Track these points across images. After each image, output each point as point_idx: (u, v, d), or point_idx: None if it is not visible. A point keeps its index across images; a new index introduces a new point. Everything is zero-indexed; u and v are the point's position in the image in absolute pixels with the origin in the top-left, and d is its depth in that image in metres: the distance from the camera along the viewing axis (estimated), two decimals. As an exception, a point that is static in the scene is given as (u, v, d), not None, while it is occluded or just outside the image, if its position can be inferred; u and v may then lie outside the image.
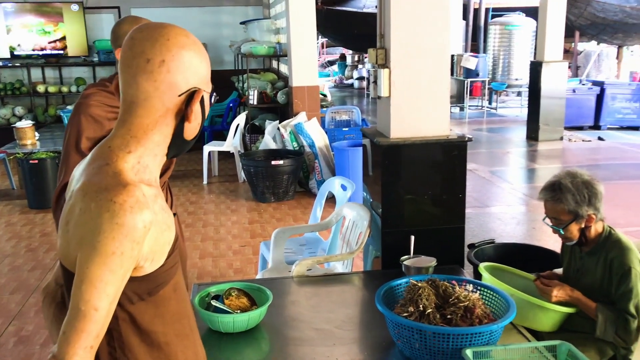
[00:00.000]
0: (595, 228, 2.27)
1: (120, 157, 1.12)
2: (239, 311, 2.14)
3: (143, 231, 1.06)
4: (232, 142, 7.30)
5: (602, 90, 10.84)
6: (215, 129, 9.04)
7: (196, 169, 7.90)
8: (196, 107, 1.18)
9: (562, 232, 2.27)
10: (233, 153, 7.38)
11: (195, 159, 8.46)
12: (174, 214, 1.44)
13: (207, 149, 7.31)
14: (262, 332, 2.16)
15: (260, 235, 5.29)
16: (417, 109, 2.80)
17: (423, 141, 2.78)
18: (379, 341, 2.07)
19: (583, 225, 2.25)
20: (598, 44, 15.09)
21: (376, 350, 2.04)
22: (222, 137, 8.16)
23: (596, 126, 10.93)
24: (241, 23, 9.78)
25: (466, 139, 2.81)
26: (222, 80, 10.35)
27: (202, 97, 1.20)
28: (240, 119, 7.38)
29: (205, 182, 7.28)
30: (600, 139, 10.02)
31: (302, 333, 2.16)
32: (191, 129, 1.21)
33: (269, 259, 3.39)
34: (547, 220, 2.34)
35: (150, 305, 1.15)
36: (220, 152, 7.71)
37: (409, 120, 2.80)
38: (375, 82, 2.83)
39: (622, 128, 10.98)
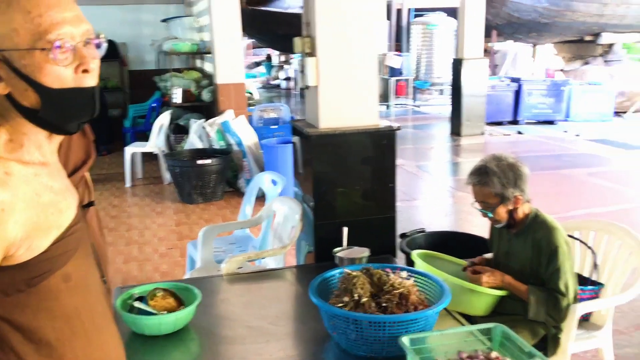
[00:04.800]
0: (523, 209, 2.30)
1: None
2: (165, 312, 2.01)
3: None
4: (156, 143, 7.04)
5: (519, 87, 11.29)
6: (138, 130, 8.72)
7: (118, 172, 7.56)
8: None
9: (491, 215, 2.28)
10: (157, 154, 7.12)
11: (117, 161, 8.12)
12: (91, 202, 1.30)
13: (129, 150, 7.02)
14: (191, 333, 2.04)
15: (188, 237, 5.10)
16: (346, 98, 2.75)
17: (353, 131, 2.73)
18: (314, 335, 2.00)
19: (511, 207, 2.27)
20: (514, 42, 15.73)
21: (311, 343, 1.97)
22: (146, 138, 7.87)
23: (515, 121, 11.36)
24: (162, 21, 9.48)
25: (395, 128, 2.79)
26: (144, 81, 10.02)
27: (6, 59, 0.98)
28: (164, 119, 7.13)
29: (128, 185, 6.98)
30: (519, 133, 10.43)
31: (233, 331, 2.06)
32: (22, 96, 1.01)
33: (197, 259, 3.25)
34: (476, 205, 2.35)
35: (32, 298, 1.01)
36: (143, 154, 7.42)
37: (338, 109, 2.75)
38: (302, 71, 2.76)
39: (538, 122, 11.47)
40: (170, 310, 2.02)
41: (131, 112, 9.10)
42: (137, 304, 2.03)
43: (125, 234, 5.29)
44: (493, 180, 2.24)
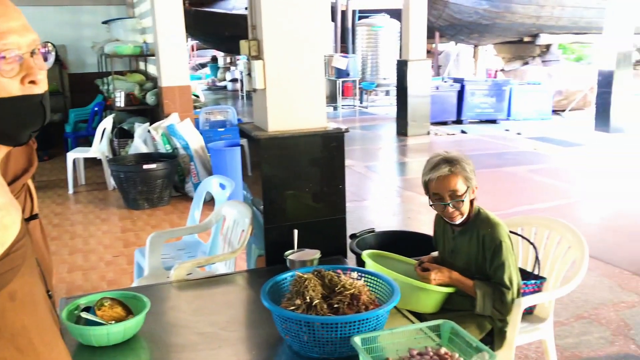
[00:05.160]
0: (474, 203, 2.35)
1: None
2: (113, 322, 1.96)
3: None
4: (99, 148, 6.86)
5: (462, 87, 11.58)
6: (80, 135, 8.48)
7: (60, 179, 7.33)
8: None
9: (463, 201, 2.26)
10: (100, 159, 6.94)
11: (59, 167, 7.87)
12: (35, 215, 1.25)
13: (71, 156, 6.81)
14: (141, 341, 2.00)
15: (134, 244, 5.00)
16: (294, 101, 2.76)
17: (302, 133, 2.74)
18: (267, 339, 2.00)
19: (471, 198, 2.31)
20: (456, 44, 16.11)
21: (264, 348, 1.97)
22: (88, 143, 7.66)
23: (458, 120, 11.65)
24: (103, 22, 9.25)
25: (343, 130, 2.82)
26: (85, 84, 9.75)
27: None
28: (107, 123, 6.96)
29: (71, 191, 6.77)
30: (463, 132, 10.69)
31: (184, 339, 2.03)
32: None
33: (145, 266, 3.19)
34: (432, 201, 2.34)
35: None
36: (86, 159, 7.21)
37: (286, 112, 2.75)
38: (249, 74, 2.75)
39: (481, 121, 11.80)
40: (119, 320, 1.98)
41: (72, 117, 8.83)
42: (84, 315, 1.98)
43: (69, 242, 5.13)
44: (462, 166, 2.27)
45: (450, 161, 2.28)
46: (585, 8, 14.10)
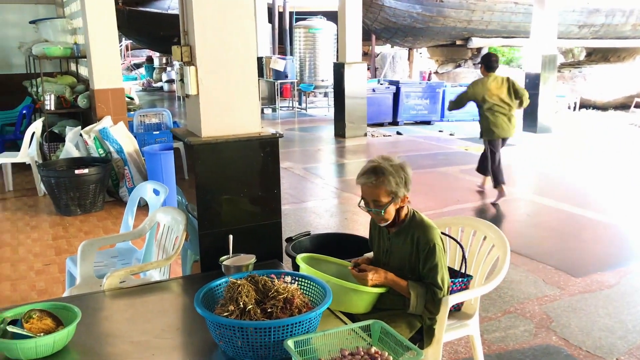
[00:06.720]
0: (406, 208, 2.44)
1: None
2: (42, 334, 1.92)
3: None
4: (28, 152, 6.62)
5: (398, 89, 11.84)
6: (7, 139, 8.15)
7: (-14, 185, 7.03)
8: None
9: (383, 213, 2.36)
10: (30, 164, 6.69)
11: (-16, 173, 7.53)
12: None
13: (-3, 161, 6.54)
14: (72, 353, 1.97)
15: (66, 252, 4.86)
16: (227, 106, 2.77)
17: (235, 139, 2.76)
18: (201, 345, 2.01)
19: (398, 206, 2.39)
20: (392, 46, 16.44)
21: (198, 354, 1.98)
22: (17, 147, 7.36)
23: (395, 122, 11.90)
24: (31, 22, 8.91)
25: (277, 135, 2.85)
26: (12, 86, 9.36)
27: None
28: (36, 127, 6.71)
29: (-3, 198, 6.51)
30: (398, 133, 10.93)
31: (117, 348, 2.02)
32: None
33: (77, 275, 3.12)
34: (363, 204, 2.41)
35: None
36: (14, 164, 6.93)
37: (219, 118, 2.76)
38: (182, 80, 2.75)
39: (416, 123, 12.09)
40: (48, 332, 1.94)
41: (-2, 120, 8.49)
42: (10, 328, 1.93)
43: (-4, 252, 4.93)
44: (389, 179, 2.34)
45: (377, 172, 2.35)
46: (513, 13, 14.71)
